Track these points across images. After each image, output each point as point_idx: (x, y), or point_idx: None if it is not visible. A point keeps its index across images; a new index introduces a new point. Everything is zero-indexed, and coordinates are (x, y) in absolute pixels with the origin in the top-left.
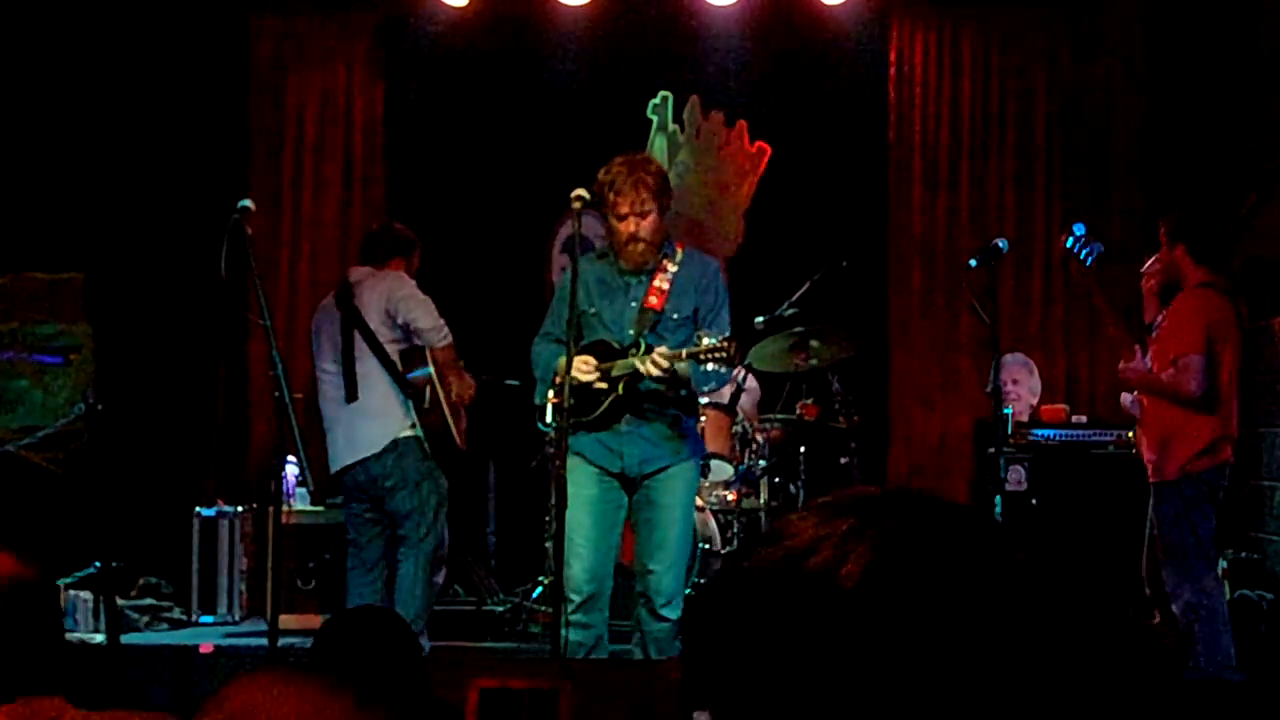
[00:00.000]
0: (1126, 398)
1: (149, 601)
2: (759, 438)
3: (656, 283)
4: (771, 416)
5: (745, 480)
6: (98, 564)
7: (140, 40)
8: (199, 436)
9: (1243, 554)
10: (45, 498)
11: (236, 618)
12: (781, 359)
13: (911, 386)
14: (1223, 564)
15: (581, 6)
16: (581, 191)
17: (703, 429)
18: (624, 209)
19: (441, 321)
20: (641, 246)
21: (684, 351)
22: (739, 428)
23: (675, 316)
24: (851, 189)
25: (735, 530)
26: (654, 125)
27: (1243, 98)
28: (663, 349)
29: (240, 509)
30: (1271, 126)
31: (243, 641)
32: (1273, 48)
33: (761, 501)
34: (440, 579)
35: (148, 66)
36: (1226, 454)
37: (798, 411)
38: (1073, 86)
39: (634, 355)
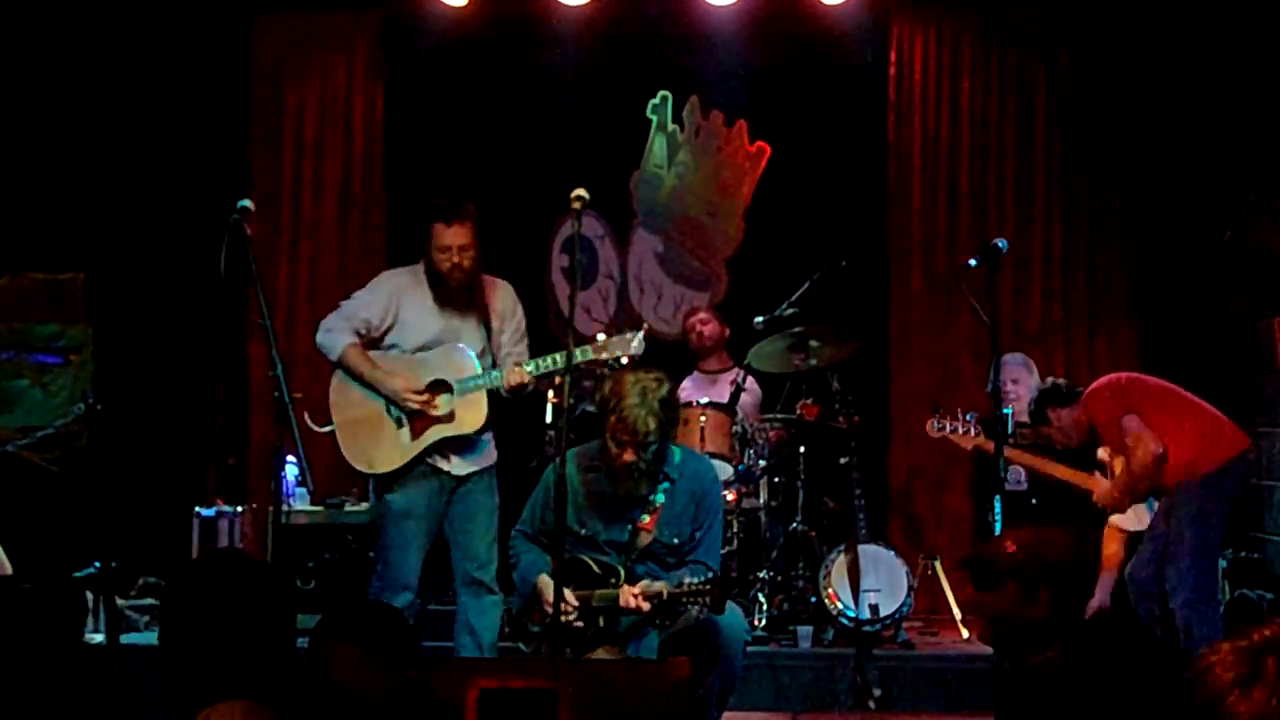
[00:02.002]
0: (1124, 519)
1: (149, 601)
2: (758, 438)
3: (652, 499)
4: (772, 416)
5: (745, 480)
6: (98, 564)
7: (141, 40)
8: (199, 436)
9: (1243, 554)
10: (45, 498)
11: None
12: (781, 359)
13: (911, 386)
14: (1223, 564)
15: (581, 6)
16: (581, 191)
17: (703, 429)
18: (624, 436)
19: (325, 327)
20: (638, 479)
21: (666, 590)
22: (739, 427)
23: (674, 541)
24: (851, 189)
25: (735, 530)
26: (654, 125)
27: (1242, 97)
28: (645, 583)
29: (240, 509)
30: (1271, 127)
31: None
32: (1271, 45)
33: (761, 501)
34: (398, 603)
35: (148, 66)
36: (1238, 443)
37: (798, 411)
38: (1072, 86)
39: (615, 585)
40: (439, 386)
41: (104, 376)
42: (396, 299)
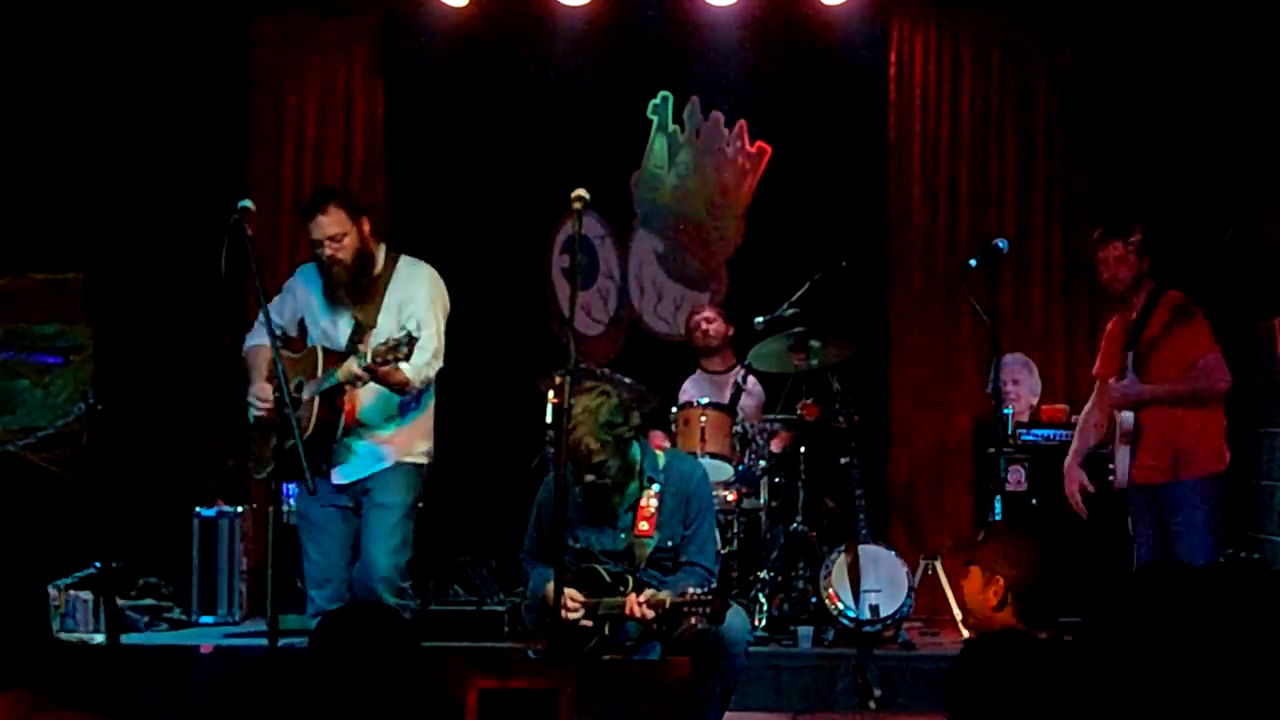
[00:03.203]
0: (1128, 416)
1: (149, 601)
2: (759, 438)
3: (643, 504)
4: (772, 417)
5: (745, 480)
6: (98, 564)
7: (141, 40)
8: (199, 436)
9: (1243, 554)
10: (45, 498)
11: (236, 618)
12: (781, 359)
13: (911, 386)
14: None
15: (581, 6)
16: (581, 191)
17: (703, 429)
18: (572, 460)
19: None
20: (609, 493)
21: (669, 600)
22: (739, 428)
23: (669, 545)
24: (851, 189)
25: (735, 530)
26: (654, 125)
27: (1242, 97)
28: (650, 592)
29: (240, 509)
30: (1271, 127)
31: (243, 641)
32: (1272, 45)
33: (761, 501)
34: (316, 601)
35: (148, 67)
36: (1228, 453)
37: (798, 412)
38: (1073, 86)
39: (623, 593)
40: (299, 390)
41: (104, 376)
42: (301, 296)
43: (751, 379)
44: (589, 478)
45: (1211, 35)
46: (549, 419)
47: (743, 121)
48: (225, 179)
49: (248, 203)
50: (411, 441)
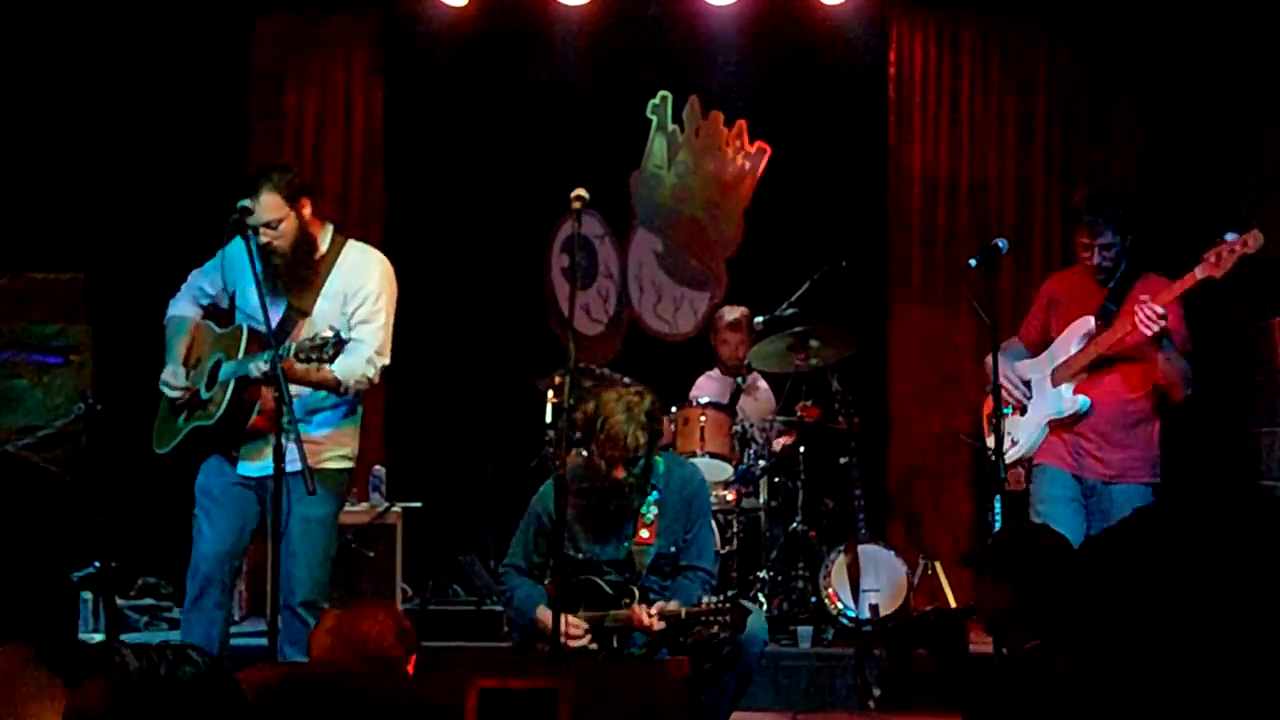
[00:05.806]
0: (1083, 398)
1: (149, 601)
2: (759, 438)
3: (644, 512)
4: (771, 418)
5: (745, 480)
6: (97, 564)
7: (141, 40)
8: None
9: None
10: (45, 498)
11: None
12: (781, 359)
13: (911, 386)
14: None
15: (581, 6)
16: (581, 191)
17: (703, 429)
18: (614, 453)
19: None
20: (629, 493)
21: (684, 611)
22: (738, 427)
23: (671, 550)
24: (851, 189)
25: (735, 530)
26: (654, 125)
27: (1241, 98)
28: (661, 604)
29: None
30: (1271, 126)
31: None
32: (1271, 46)
33: (761, 501)
34: (195, 580)
35: (148, 66)
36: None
37: (798, 413)
38: (1073, 86)
39: (629, 605)
40: (217, 368)
41: (104, 376)
42: (238, 269)
43: (762, 382)
44: (621, 474)
45: (1210, 34)
46: (549, 419)
47: (742, 121)
48: (225, 179)
49: (247, 202)
50: (336, 444)
